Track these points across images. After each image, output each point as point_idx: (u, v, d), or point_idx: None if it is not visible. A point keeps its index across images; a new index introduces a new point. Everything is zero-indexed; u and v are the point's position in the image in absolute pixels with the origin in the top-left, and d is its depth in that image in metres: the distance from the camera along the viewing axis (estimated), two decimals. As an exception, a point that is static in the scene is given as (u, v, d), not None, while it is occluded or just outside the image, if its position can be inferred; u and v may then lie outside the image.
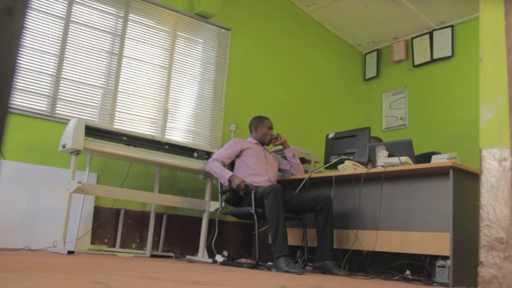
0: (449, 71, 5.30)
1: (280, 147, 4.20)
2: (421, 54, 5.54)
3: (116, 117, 4.24)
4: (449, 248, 2.90)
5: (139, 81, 4.44)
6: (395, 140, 3.93)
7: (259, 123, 4.08)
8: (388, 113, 5.84)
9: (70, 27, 4.08)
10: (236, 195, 3.77)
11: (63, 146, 3.43)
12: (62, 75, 3.98)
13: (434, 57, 5.41)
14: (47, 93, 3.90)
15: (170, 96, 4.61)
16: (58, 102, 3.94)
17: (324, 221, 3.44)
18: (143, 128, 4.37)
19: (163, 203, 4.05)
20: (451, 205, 2.96)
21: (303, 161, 4.30)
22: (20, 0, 0.38)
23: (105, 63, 4.27)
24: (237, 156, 3.91)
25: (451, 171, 3.01)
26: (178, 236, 4.35)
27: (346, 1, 5.36)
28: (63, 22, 4.05)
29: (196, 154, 4.02)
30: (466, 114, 4.96)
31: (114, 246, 3.98)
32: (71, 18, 4.10)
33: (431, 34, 5.47)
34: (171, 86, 4.63)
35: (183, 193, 4.41)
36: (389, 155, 3.42)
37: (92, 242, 3.87)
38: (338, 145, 4.05)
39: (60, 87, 3.96)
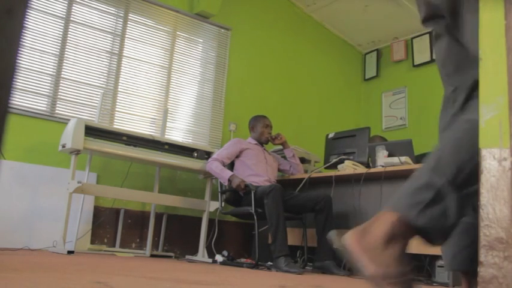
0: (449, 70, 5.29)
1: (280, 147, 4.20)
2: (421, 54, 5.54)
3: (115, 117, 4.24)
4: (449, 247, 2.90)
5: (139, 81, 4.44)
6: (395, 140, 3.93)
7: (255, 123, 4.09)
8: (388, 113, 5.84)
9: (70, 27, 4.08)
10: (236, 195, 3.77)
11: (63, 146, 3.43)
12: (62, 75, 3.98)
13: (434, 57, 5.40)
14: (47, 93, 3.90)
15: (170, 96, 4.60)
16: (58, 102, 3.94)
17: (323, 220, 3.44)
18: (143, 128, 4.37)
19: (163, 202, 4.05)
20: (451, 205, 2.95)
21: (303, 160, 4.30)
22: (20, 0, 0.38)
23: (105, 63, 4.27)
24: (237, 157, 3.91)
25: (451, 171, 3.00)
26: (178, 235, 4.35)
27: (346, 1, 5.36)
28: (63, 22, 4.05)
29: (196, 154, 4.02)
30: (466, 114, 4.95)
31: (114, 246, 3.98)
32: (71, 18, 4.10)
33: (431, 34, 5.45)
34: (171, 86, 4.63)
35: (183, 193, 4.41)
36: (389, 155, 3.42)
37: (92, 242, 3.87)
38: (338, 145, 4.05)
39: (60, 87, 3.97)
